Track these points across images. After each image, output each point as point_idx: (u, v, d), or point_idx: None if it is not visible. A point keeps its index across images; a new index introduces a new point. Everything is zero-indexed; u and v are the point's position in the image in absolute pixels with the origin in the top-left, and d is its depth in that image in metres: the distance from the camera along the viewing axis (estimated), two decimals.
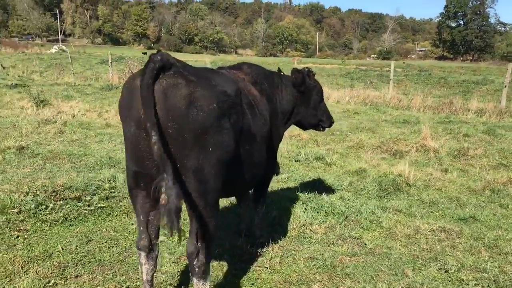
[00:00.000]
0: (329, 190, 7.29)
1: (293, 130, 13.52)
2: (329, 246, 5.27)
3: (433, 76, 40.09)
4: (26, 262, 4.46)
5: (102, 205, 5.97)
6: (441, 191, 7.71)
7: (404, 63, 67.96)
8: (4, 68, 32.23)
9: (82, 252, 4.77)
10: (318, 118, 5.79)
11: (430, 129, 13.00)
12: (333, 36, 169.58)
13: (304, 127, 5.92)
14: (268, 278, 4.44)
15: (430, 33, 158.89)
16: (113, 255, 4.78)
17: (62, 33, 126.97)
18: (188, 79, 3.22)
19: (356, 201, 6.76)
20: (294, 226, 5.68)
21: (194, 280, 3.49)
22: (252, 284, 4.29)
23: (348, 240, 5.43)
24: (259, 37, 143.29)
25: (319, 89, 5.76)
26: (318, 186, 7.45)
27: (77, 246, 4.91)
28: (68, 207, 5.80)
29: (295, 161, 9.74)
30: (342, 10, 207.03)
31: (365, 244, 5.37)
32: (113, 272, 4.39)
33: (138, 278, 4.26)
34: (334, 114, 16.66)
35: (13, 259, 4.49)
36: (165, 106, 3.11)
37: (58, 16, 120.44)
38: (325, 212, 6.07)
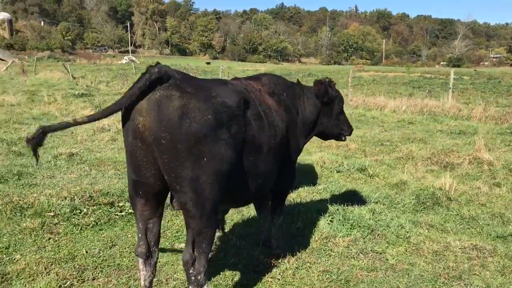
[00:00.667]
0: (362, 202, 7.12)
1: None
2: (348, 260, 5.15)
3: (502, 84, 37.98)
4: (50, 263, 4.72)
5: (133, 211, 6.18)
6: (485, 206, 7.30)
7: (475, 70, 65.01)
8: (74, 78, 34.26)
9: (104, 256, 4.97)
10: (340, 128, 5.74)
11: (487, 140, 12.38)
12: (401, 43, 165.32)
13: (326, 137, 5.90)
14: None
15: (506, 39, 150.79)
16: (133, 260, 4.94)
17: (132, 45, 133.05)
18: (183, 91, 3.31)
19: (388, 214, 6.55)
20: (317, 238, 5.60)
21: (191, 287, 3.55)
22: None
23: (369, 255, 5.28)
24: (323, 45, 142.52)
25: (341, 99, 5.71)
26: (351, 198, 7.29)
27: (100, 250, 5.13)
28: (100, 212, 6.07)
29: (336, 172, 9.59)
30: (411, 17, 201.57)
31: (387, 259, 5.19)
32: (128, 277, 4.54)
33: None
34: (387, 124, 16.44)
35: (39, 260, 4.77)
36: (158, 117, 3.21)
37: (129, 29, 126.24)
38: (351, 225, 5.93)
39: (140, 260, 3.61)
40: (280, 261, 4.97)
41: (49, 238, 5.36)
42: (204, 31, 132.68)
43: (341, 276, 4.72)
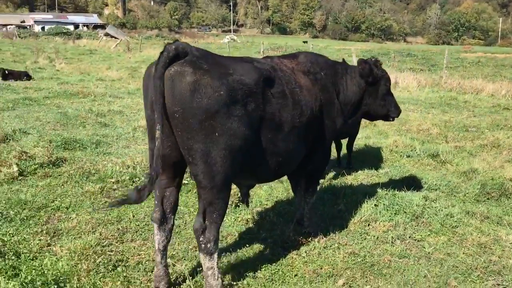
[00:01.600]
0: (419, 188, 6.86)
1: (422, 124, 12.80)
2: (382, 244, 5.06)
3: None
4: (98, 224, 5.22)
5: (187, 182, 6.53)
6: None
7: None
8: None
9: (147, 221, 5.37)
10: (386, 109, 5.59)
11: None
12: None
13: (372, 118, 5.83)
14: (298, 266, 4.49)
15: None
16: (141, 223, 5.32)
17: (235, 24, 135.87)
18: (196, 67, 3.47)
19: (442, 202, 6.26)
20: (356, 221, 5.54)
21: (201, 255, 3.76)
22: (278, 269, 4.39)
23: (406, 241, 5.14)
24: (431, 24, 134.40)
25: (387, 79, 5.54)
26: (409, 184, 7.04)
27: (145, 215, 5.53)
28: None
29: (406, 157, 9.26)
30: None
31: (424, 247, 5.02)
32: None
33: (179, 249, 4.70)
34: (479, 109, 15.37)
35: (89, 220, 5.29)
36: (172, 92, 3.42)
37: (231, 8, 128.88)
38: (396, 211, 5.77)
39: (155, 225, 3.89)
40: (310, 239, 5.01)
41: (105, 202, 5.88)
42: (305, 9, 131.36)
43: (368, 260, 4.67)
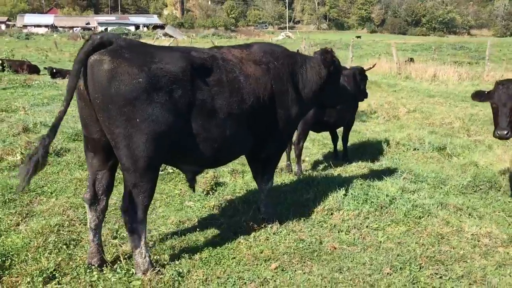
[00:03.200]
0: (402, 180, 6.74)
1: (446, 117, 12.42)
2: (337, 233, 5.08)
3: None
4: (70, 207, 5.59)
5: (172, 171, 6.81)
6: None
7: None
8: None
9: (116, 206, 5.65)
10: (342, 98, 5.81)
11: None
12: None
13: (330, 106, 6.13)
14: (240, 250, 4.62)
15: None
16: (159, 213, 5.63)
17: (292, 21, 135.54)
18: (115, 56, 3.70)
19: (420, 194, 6.14)
20: (319, 209, 5.58)
21: (128, 235, 4.01)
22: (219, 252, 4.54)
23: (362, 230, 5.14)
24: (498, 15, 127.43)
25: (342, 69, 5.64)
26: (396, 175, 6.94)
27: (117, 200, 5.84)
28: None
29: (413, 150, 9.09)
30: None
31: (377, 236, 4.99)
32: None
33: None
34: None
35: (64, 203, 5.67)
36: (92, 79, 3.68)
37: (286, 5, 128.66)
38: (363, 200, 5.74)
39: (87, 206, 4.16)
40: (263, 226, 5.12)
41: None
42: (363, 4, 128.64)
43: (312, 246, 4.72)
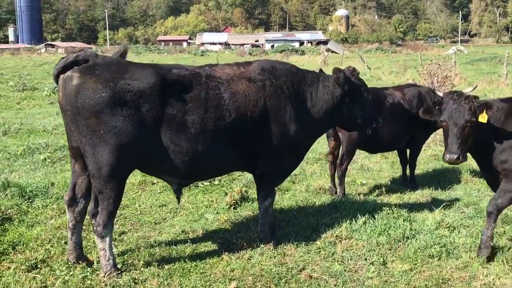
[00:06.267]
0: (443, 213, 5.91)
1: None
2: (329, 262, 4.74)
3: None
4: None
5: (204, 184, 7.03)
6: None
7: None
8: (369, 68, 35.74)
9: (146, 210, 6.12)
10: (364, 120, 5.26)
11: None
12: None
13: (349, 128, 5.63)
14: (216, 266, 4.60)
15: None
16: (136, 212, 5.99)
17: (467, 34, 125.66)
18: (85, 73, 4.10)
19: (461, 231, 5.35)
20: (327, 235, 5.23)
21: (95, 237, 4.35)
22: (196, 265, 4.60)
23: (358, 263, 4.70)
24: None
25: (365, 89, 5.18)
26: (451, 208, 6.14)
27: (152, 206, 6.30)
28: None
29: None
30: None
31: (368, 271, 4.52)
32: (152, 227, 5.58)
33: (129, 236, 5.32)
34: None
35: None
36: (64, 93, 4.14)
37: (460, 16, 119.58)
38: (380, 231, 5.24)
39: (66, 206, 4.59)
40: (255, 245, 5.01)
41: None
42: None
43: (289, 272, 4.49)
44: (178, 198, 4.98)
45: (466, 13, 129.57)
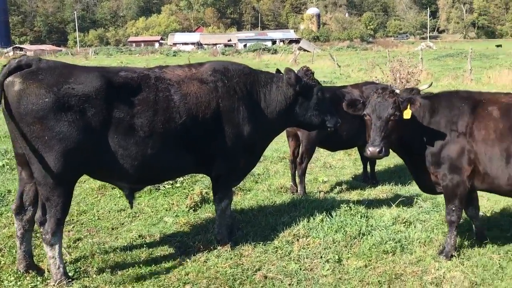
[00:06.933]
0: (400, 209, 6.00)
1: None
2: (285, 261, 4.75)
3: None
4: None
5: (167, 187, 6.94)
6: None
7: None
8: (339, 66, 36.06)
9: (109, 217, 6.03)
10: (321, 119, 5.24)
11: None
12: None
13: (306, 128, 5.64)
14: (171, 270, 4.56)
15: None
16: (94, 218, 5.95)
17: (436, 30, 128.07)
18: (27, 78, 3.99)
19: (417, 226, 5.43)
20: (285, 235, 5.24)
21: (44, 245, 4.24)
22: (150, 270, 4.55)
23: (314, 261, 4.73)
24: None
25: (319, 89, 5.22)
26: (409, 203, 6.24)
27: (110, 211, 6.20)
28: None
29: None
30: None
31: (323, 269, 4.55)
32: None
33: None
34: None
35: None
36: (7, 99, 4.02)
37: (428, 14, 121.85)
38: (337, 228, 5.27)
39: (13, 215, 4.48)
40: (212, 247, 4.99)
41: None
42: None
43: (244, 274, 4.49)
44: (131, 203, 4.91)
45: (435, 10, 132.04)
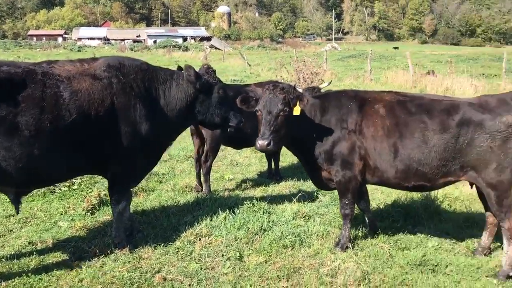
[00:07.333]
0: (300, 204, 6.20)
1: None
2: (186, 261, 4.68)
3: None
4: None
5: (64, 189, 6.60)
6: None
7: None
8: (250, 65, 36.47)
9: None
10: (223, 117, 5.22)
11: None
12: None
13: (209, 126, 5.58)
14: (64, 278, 4.31)
15: None
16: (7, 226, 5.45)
17: (340, 32, 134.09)
18: None
19: (316, 220, 5.62)
20: (187, 234, 5.18)
21: None
22: (42, 279, 4.27)
23: (216, 259, 4.70)
24: None
25: (221, 87, 5.19)
26: (309, 198, 6.43)
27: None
28: None
29: None
30: None
31: (224, 267, 4.55)
32: None
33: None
34: None
35: None
36: None
37: (334, 16, 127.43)
38: (239, 226, 5.30)
39: None
40: (109, 251, 4.79)
41: None
42: (414, 14, 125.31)
43: (142, 277, 4.36)
44: (17, 209, 4.56)
45: (339, 12, 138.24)
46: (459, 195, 6.65)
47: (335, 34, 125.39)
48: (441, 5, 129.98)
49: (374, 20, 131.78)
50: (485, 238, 4.92)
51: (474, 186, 4.80)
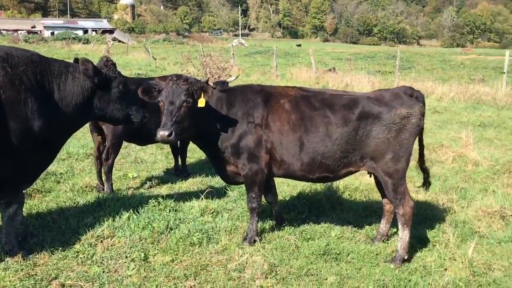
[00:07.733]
0: (208, 201, 6.14)
1: None
2: (87, 265, 4.41)
3: None
4: None
5: None
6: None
7: None
8: (155, 59, 35.61)
9: None
10: (125, 113, 4.98)
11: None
12: None
13: (111, 122, 5.32)
14: None
15: None
16: None
17: (247, 28, 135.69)
18: None
19: (224, 215, 5.57)
20: (88, 237, 4.89)
21: None
22: None
23: (119, 261, 4.48)
24: (445, 26, 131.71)
25: (121, 82, 4.94)
26: (216, 195, 6.36)
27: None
28: None
29: None
30: None
31: (128, 269, 4.35)
32: None
33: None
34: None
35: None
36: None
37: (239, 12, 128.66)
38: (144, 225, 5.12)
39: None
40: (4, 258, 4.39)
41: None
42: (317, 13, 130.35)
43: (37, 285, 4.03)
44: None
45: (245, 9, 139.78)
46: (358, 185, 6.98)
47: (241, 30, 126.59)
48: (341, 4, 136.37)
49: (279, 17, 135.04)
50: (383, 226, 5.21)
51: (372, 175, 5.06)
